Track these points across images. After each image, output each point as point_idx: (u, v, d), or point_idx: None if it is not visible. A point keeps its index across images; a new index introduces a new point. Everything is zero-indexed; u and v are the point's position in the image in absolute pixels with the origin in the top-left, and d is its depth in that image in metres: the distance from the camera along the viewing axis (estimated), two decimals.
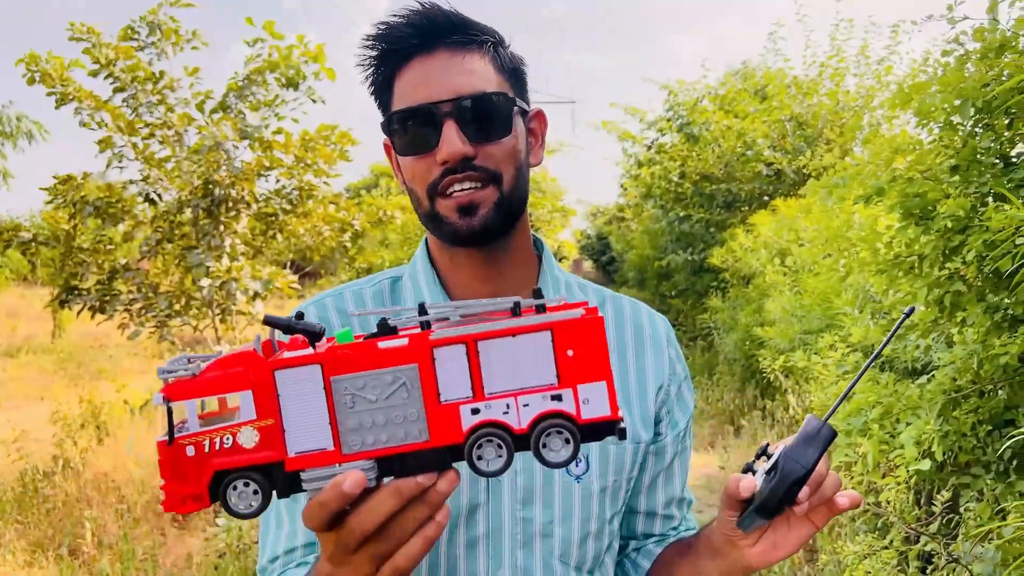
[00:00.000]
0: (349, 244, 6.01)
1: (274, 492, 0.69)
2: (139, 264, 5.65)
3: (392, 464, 0.70)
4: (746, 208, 10.05)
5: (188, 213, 5.40)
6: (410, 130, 1.02)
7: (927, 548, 2.98)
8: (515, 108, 1.06)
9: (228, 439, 0.66)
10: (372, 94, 1.09)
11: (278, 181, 5.61)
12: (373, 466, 0.69)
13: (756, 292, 7.49)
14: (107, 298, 5.48)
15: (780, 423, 6.63)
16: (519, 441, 0.70)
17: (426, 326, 0.71)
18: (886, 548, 2.90)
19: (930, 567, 2.97)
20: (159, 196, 5.40)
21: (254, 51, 5.28)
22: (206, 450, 0.66)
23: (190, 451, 0.66)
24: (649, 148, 12.42)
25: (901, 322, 0.92)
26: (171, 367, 0.67)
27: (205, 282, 5.15)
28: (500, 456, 0.69)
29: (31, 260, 6.13)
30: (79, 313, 5.41)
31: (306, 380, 0.67)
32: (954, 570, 2.81)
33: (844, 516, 3.84)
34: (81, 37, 5.09)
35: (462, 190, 1.01)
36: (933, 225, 2.75)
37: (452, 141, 0.99)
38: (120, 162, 5.28)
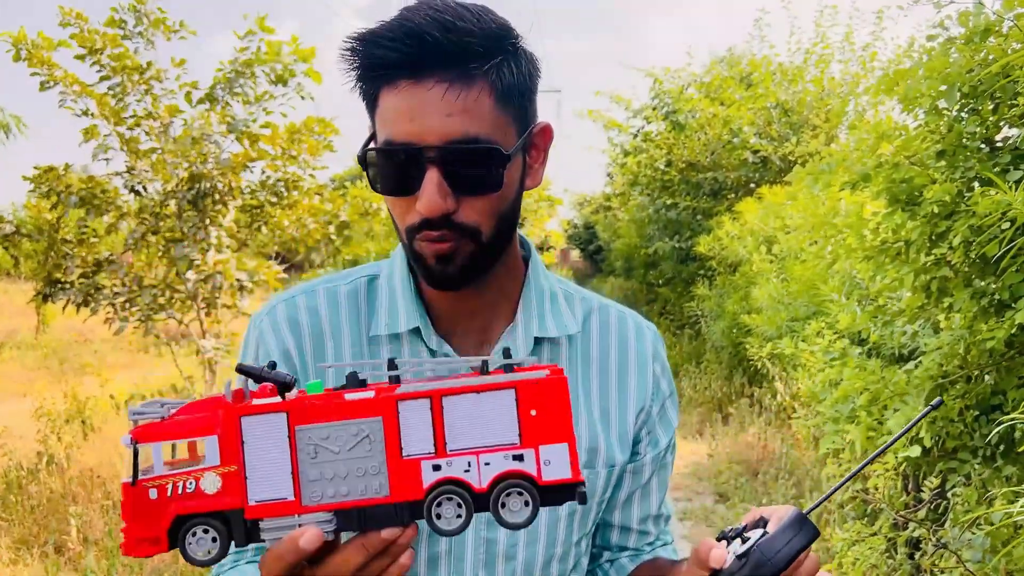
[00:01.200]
0: (335, 236, 5.96)
1: (231, 540, 0.69)
2: (123, 257, 5.59)
3: (350, 517, 0.70)
4: (732, 196, 10.06)
5: (173, 205, 5.35)
6: (390, 168, 0.93)
7: (915, 534, 2.99)
8: (510, 161, 0.93)
9: (191, 484, 0.66)
10: (360, 98, 0.98)
11: (263, 173, 5.57)
12: (331, 519, 0.69)
13: (743, 280, 7.50)
14: (91, 292, 5.41)
15: (768, 410, 6.65)
16: (478, 500, 0.70)
17: (395, 380, 0.71)
18: (874, 535, 2.91)
19: (918, 553, 2.99)
20: (144, 188, 5.33)
21: (243, 43, 5.22)
22: (168, 494, 0.66)
23: (152, 494, 0.66)
24: (635, 136, 12.40)
25: (924, 414, 0.89)
26: (143, 410, 0.67)
27: (190, 275, 5.11)
28: (459, 516, 0.69)
29: (13, 255, 6.05)
30: (64, 308, 5.35)
31: (271, 428, 0.67)
32: (942, 556, 2.82)
33: (833, 503, 3.86)
34: (70, 23, 5.02)
35: (439, 240, 0.93)
36: (919, 211, 2.74)
37: (432, 196, 0.89)
38: (105, 153, 5.21)
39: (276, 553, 0.68)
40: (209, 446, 0.67)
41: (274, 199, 5.50)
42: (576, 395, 1.08)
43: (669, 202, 11.04)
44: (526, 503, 0.69)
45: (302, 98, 5.36)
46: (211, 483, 0.67)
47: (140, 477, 0.66)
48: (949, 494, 2.96)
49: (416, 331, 1.03)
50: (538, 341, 1.07)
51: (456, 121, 0.88)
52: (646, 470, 1.15)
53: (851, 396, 2.71)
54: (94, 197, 5.21)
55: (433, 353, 1.03)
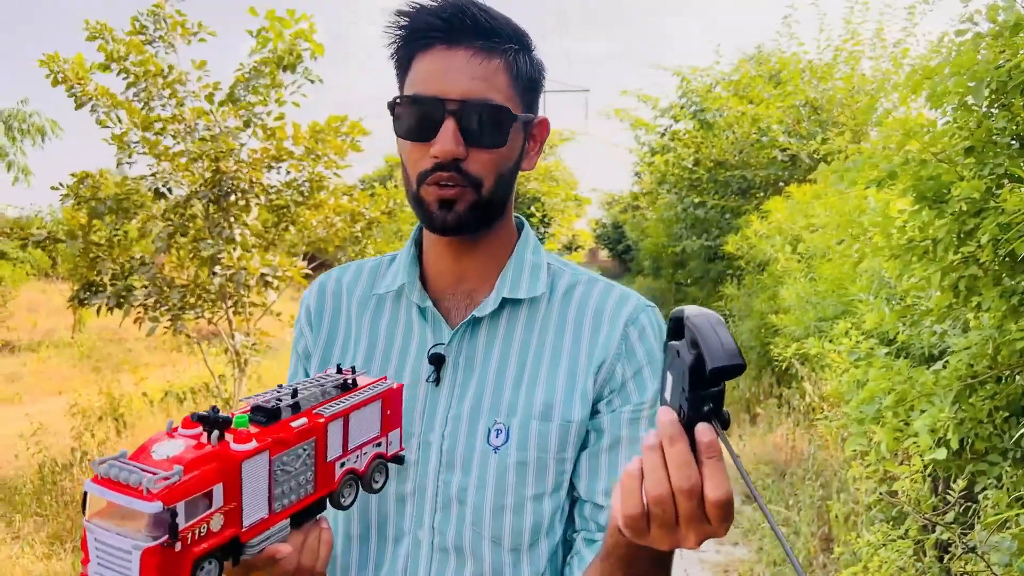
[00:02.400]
0: (361, 235, 6.00)
1: (227, 562, 0.79)
2: (155, 259, 5.66)
3: (297, 517, 0.87)
4: (761, 194, 9.97)
5: (198, 206, 5.41)
6: (413, 116, 1.08)
7: (943, 537, 2.94)
8: (516, 123, 1.10)
9: (204, 528, 0.74)
10: (394, 66, 1.13)
11: (288, 173, 5.61)
12: (288, 523, 0.86)
13: (770, 279, 7.43)
14: (123, 294, 5.49)
15: (796, 411, 6.58)
16: (362, 479, 0.93)
17: (296, 408, 0.85)
18: (902, 538, 2.86)
19: (947, 556, 2.94)
20: (169, 189, 5.40)
21: (258, 42, 5.26)
22: (188, 542, 0.73)
23: (178, 547, 0.72)
24: (662, 135, 12.34)
25: None
26: (123, 471, 0.72)
27: (217, 271, 5.17)
28: (352, 493, 0.93)
29: (51, 255, 6.17)
30: (98, 311, 5.42)
31: (259, 464, 0.79)
32: (971, 560, 2.77)
33: (860, 505, 3.80)
34: (96, 35, 5.10)
35: (445, 186, 1.07)
36: (947, 208, 2.70)
37: (447, 139, 1.05)
38: (130, 157, 5.29)
39: (250, 563, 0.82)
40: (216, 493, 0.75)
41: (300, 199, 5.54)
42: (543, 351, 1.16)
43: (697, 201, 10.98)
44: (381, 473, 0.96)
45: (311, 81, 5.36)
46: (217, 522, 0.75)
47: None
48: (980, 496, 2.91)
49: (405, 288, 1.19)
50: (516, 303, 1.18)
51: (477, 84, 1.06)
52: (606, 431, 1.12)
53: (877, 397, 2.67)
54: (125, 200, 5.29)
55: (421, 310, 1.18)
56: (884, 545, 2.91)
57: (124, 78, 5.24)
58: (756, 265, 8.53)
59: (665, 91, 21.96)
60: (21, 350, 14.90)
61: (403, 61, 1.11)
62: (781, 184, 9.58)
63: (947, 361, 2.66)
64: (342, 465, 0.90)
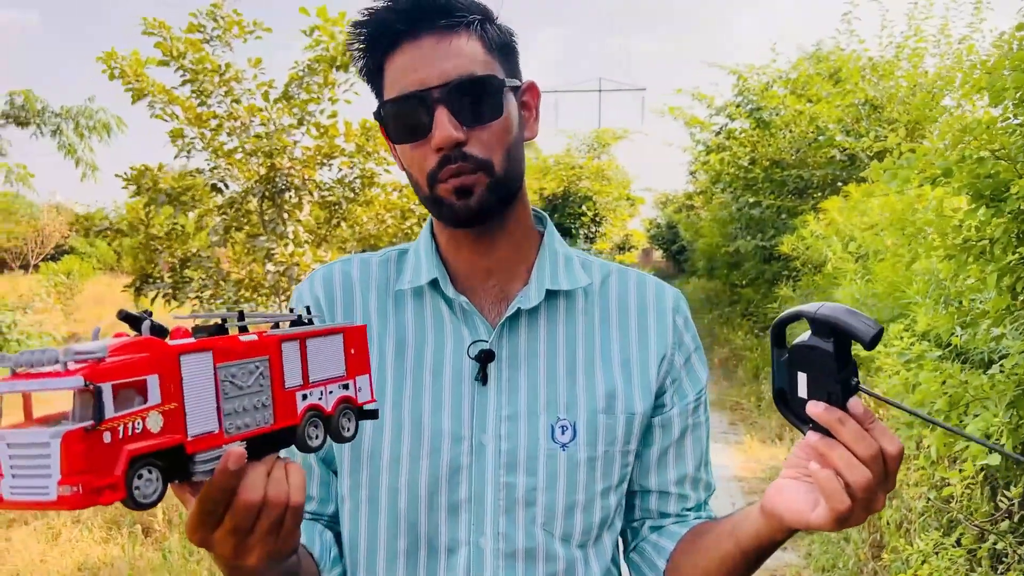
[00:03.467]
0: (411, 231, 6.05)
1: (170, 477, 0.70)
2: (211, 252, 5.81)
3: (254, 445, 0.77)
4: (819, 194, 9.77)
5: (253, 201, 5.53)
6: (403, 118, 1.05)
7: (998, 547, 2.85)
8: (505, 88, 1.06)
9: (139, 424, 0.65)
10: (366, 81, 1.11)
11: (340, 170, 5.69)
12: (244, 449, 0.75)
13: (825, 280, 7.28)
14: (179, 285, 5.64)
15: None
16: (327, 421, 0.83)
17: (244, 329, 0.78)
18: (955, 546, 2.77)
19: (1001, 566, 2.84)
20: (225, 184, 5.53)
21: (312, 41, 5.35)
22: (120, 436, 0.64)
23: (107, 437, 0.63)
24: (718, 134, 12.18)
25: None
26: (36, 354, 0.65)
27: (269, 267, 5.27)
28: (318, 435, 0.83)
29: (116, 250, 6.38)
30: (152, 300, 5.59)
31: (202, 366, 0.71)
32: None
33: (914, 512, 3.70)
34: (153, 32, 5.25)
35: (457, 176, 1.04)
36: (1005, 207, 2.61)
37: (444, 127, 1.01)
38: (188, 153, 5.43)
39: (205, 492, 0.72)
40: (151, 385, 0.66)
41: (351, 195, 5.61)
42: (592, 344, 1.13)
43: (752, 200, 10.80)
44: (350, 420, 0.86)
45: (365, 82, 5.43)
46: (155, 422, 0.66)
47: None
48: None
49: (435, 283, 1.13)
50: (552, 295, 1.13)
51: (452, 64, 1.02)
52: (675, 423, 1.16)
53: (928, 400, 2.59)
54: (183, 194, 5.43)
55: (451, 303, 1.12)
56: (935, 553, 2.83)
57: (181, 75, 5.37)
58: (812, 266, 8.36)
59: (721, 89, 21.64)
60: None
61: (373, 71, 1.08)
62: (839, 184, 9.38)
63: (1002, 364, 2.58)
64: (304, 398, 0.81)
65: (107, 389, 0.63)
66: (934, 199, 2.85)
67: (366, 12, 1.05)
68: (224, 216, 5.57)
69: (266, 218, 5.48)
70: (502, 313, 1.12)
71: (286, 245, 5.37)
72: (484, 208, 1.06)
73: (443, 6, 1.03)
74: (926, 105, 6.36)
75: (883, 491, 0.87)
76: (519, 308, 1.10)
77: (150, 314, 0.73)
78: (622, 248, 25.19)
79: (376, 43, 1.06)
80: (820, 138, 9.29)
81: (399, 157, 1.11)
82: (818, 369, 0.86)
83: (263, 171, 5.47)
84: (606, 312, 1.16)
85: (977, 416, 2.49)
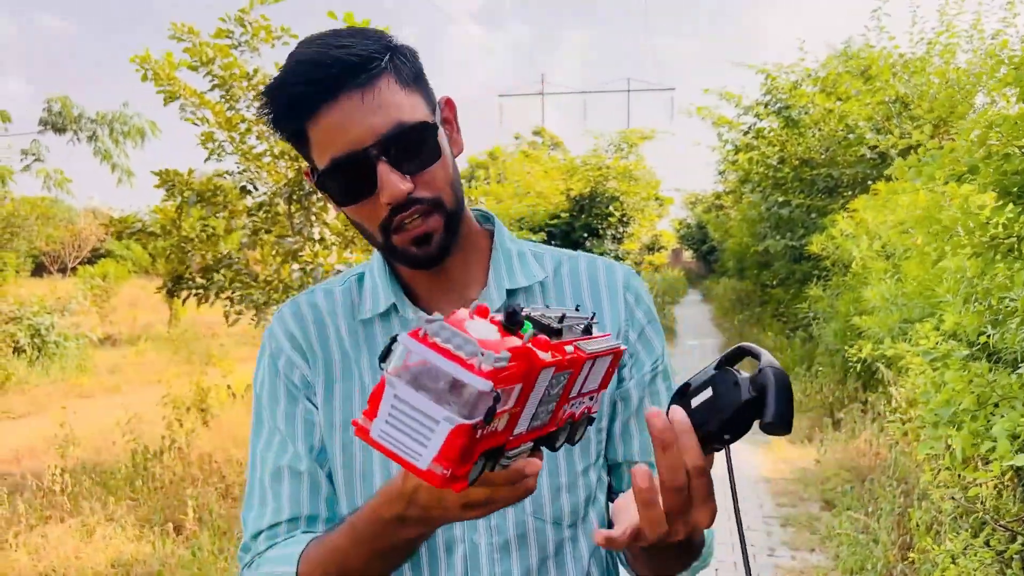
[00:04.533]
0: None
1: (485, 469, 0.75)
2: (244, 254, 5.88)
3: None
4: (849, 193, 9.67)
5: (282, 204, 5.60)
6: (344, 181, 1.03)
7: None
8: (437, 129, 1.05)
9: (496, 424, 0.70)
10: (285, 140, 1.10)
11: None
12: (531, 445, 0.81)
13: (854, 280, 7.20)
14: (210, 285, 5.73)
15: (882, 416, 6.37)
16: (572, 426, 0.86)
17: (558, 334, 0.78)
18: (984, 547, 2.73)
19: None
20: (255, 187, 5.60)
21: None
22: (482, 433, 0.69)
23: (477, 434, 0.68)
24: (746, 133, 12.09)
25: None
26: (457, 337, 0.68)
27: (295, 267, 5.33)
28: (561, 441, 0.86)
29: (151, 253, 6.49)
30: (184, 300, 5.68)
31: (545, 378, 0.74)
32: None
33: (944, 514, 3.65)
34: (181, 37, 5.33)
35: (412, 223, 1.04)
36: None
37: (391, 183, 1.00)
38: (219, 158, 5.51)
39: (489, 478, 0.76)
40: (514, 392, 0.70)
41: None
42: None
43: (781, 200, 10.72)
44: (582, 428, 0.88)
45: None
46: (502, 422, 0.71)
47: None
48: None
49: (395, 307, 1.15)
50: (512, 293, 1.16)
51: (381, 116, 1.00)
52: (633, 395, 1.18)
53: (953, 400, 2.57)
54: (213, 196, 5.51)
55: (414, 323, 1.13)
56: (963, 553, 2.79)
57: (210, 80, 5.45)
58: (842, 266, 8.28)
59: (749, 89, 21.46)
60: (122, 343, 15.69)
61: (296, 135, 1.05)
62: (869, 183, 9.27)
63: None
64: (570, 406, 0.84)
65: (499, 395, 0.67)
66: (960, 196, 2.82)
67: (276, 85, 1.03)
68: (253, 218, 5.64)
69: (294, 220, 5.54)
70: None
71: (312, 246, 5.43)
72: (444, 247, 1.07)
73: (355, 64, 1.00)
74: (951, 102, 6.25)
75: (684, 520, 0.84)
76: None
77: (518, 310, 0.74)
78: (651, 248, 25.04)
79: (294, 113, 1.03)
80: (850, 136, 9.20)
81: (346, 213, 1.11)
82: (722, 401, 0.83)
83: (291, 174, 5.53)
84: (562, 300, 1.19)
85: (1004, 416, 2.46)
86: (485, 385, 0.65)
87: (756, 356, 0.86)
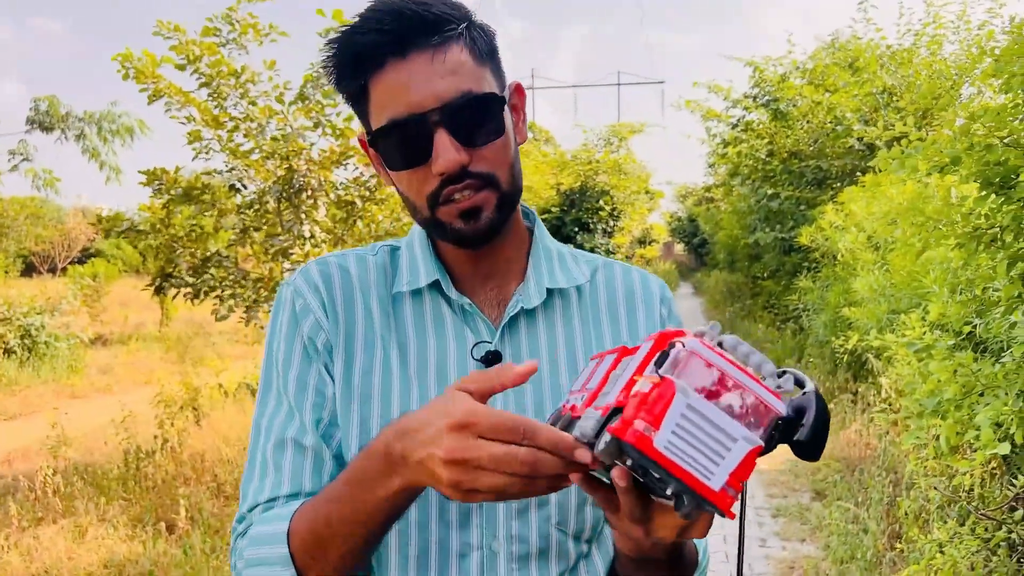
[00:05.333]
0: None
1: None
2: (231, 252, 5.88)
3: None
4: (837, 185, 9.70)
5: (271, 202, 5.59)
6: (399, 144, 0.98)
7: (1012, 536, 2.83)
8: (503, 106, 1.01)
9: None
10: (345, 100, 1.06)
11: (355, 169, 5.74)
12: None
13: (843, 271, 7.24)
14: (199, 283, 5.73)
15: (872, 407, 6.41)
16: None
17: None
18: (971, 535, 2.76)
19: (1016, 554, 2.83)
20: (244, 185, 5.60)
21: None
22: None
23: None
24: (735, 126, 12.11)
25: None
26: (753, 356, 0.65)
27: (287, 265, 5.34)
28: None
29: (142, 253, 6.46)
30: (173, 298, 5.68)
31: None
32: None
33: (932, 503, 3.68)
34: (168, 35, 5.32)
35: (462, 196, 0.98)
36: (1015, 194, 2.60)
37: (447, 152, 0.95)
38: (207, 155, 5.50)
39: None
40: None
41: (367, 195, 5.66)
42: (589, 340, 1.12)
43: (771, 192, 10.74)
44: None
45: None
46: None
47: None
48: None
49: (436, 285, 1.09)
50: (550, 293, 1.11)
51: (448, 82, 0.95)
52: None
53: (938, 390, 2.59)
54: (201, 194, 5.50)
55: (451, 304, 1.08)
56: (950, 542, 2.82)
57: (198, 78, 5.44)
58: (831, 257, 8.31)
59: (738, 83, 21.53)
60: (113, 343, 15.64)
61: (356, 91, 1.01)
62: (858, 174, 9.31)
63: (1012, 352, 2.57)
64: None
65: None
66: (943, 187, 2.84)
67: (346, 32, 0.99)
68: (243, 216, 5.64)
69: (284, 218, 5.54)
70: (500, 315, 1.10)
71: (303, 245, 5.42)
72: (494, 227, 1.02)
73: (432, 22, 0.96)
74: (934, 93, 6.27)
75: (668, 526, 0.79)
76: (521, 308, 1.08)
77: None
78: (642, 242, 25.09)
79: (360, 65, 0.98)
80: (838, 128, 9.23)
81: (392, 179, 1.05)
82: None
83: (280, 172, 5.53)
84: (597, 307, 1.15)
85: (988, 405, 2.49)
86: (783, 408, 0.63)
87: (801, 383, 0.82)
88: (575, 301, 1.14)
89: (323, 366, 1.05)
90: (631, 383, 0.69)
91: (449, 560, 1.03)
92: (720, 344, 0.66)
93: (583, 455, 0.71)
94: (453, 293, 1.08)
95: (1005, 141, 2.65)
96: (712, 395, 0.63)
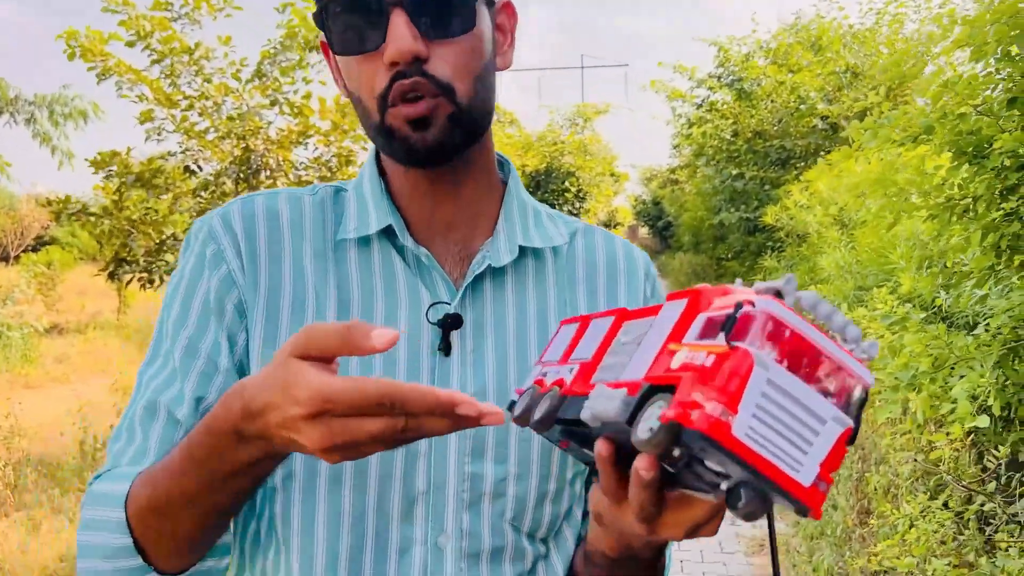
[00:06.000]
0: None
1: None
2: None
3: None
4: (801, 164, 9.74)
5: (228, 183, 5.43)
6: (349, 22, 0.84)
7: (986, 508, 2.82)
8: (478, 6, 0.87)
9: None
10: None
11: (315, 149, 5.59)
12: None
13: (809, 250, 7.26)
14: (154, 267, 5.55)
15: None
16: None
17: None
18: (943, 509, 2.75)
19: (988, 528, 2.82)
20: (199, 167, 5.43)
21: (285, 17, 5.24)
22: None
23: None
24: (699, 107, 12.12)
25: None
26: (846, 325, 0.54)
27: None
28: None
29: (99, 240, 6.25)
30: (127, 284, 5.50)
31: None
32: (1017, 532, 2.66)
33: (900, 477, 3.68)
34: (116, 9, 5.11)
35: (414, 98, 0.83)
36: (988, 163, 2.56)
37: (401, 36, 0.81)
38: (159, 135, 5.32)
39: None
40: None
41: (328, 174, 5.52)
42: (563, 309, 0.99)
43: (735, 172, 10.77)
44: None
45: None
46: None
47: None
48: None
49: (388, 233, 0.94)
50: (522, 252, 0.97)
51: None
52: None
53: (912, 362, 2.56)
54: (153, 177, 5.32)
55: (405, 255, 0.93)
56: (922, 516, 2.80)
57: (149, 55, 5.24)
58: (796, 237, 8.34)
59: (704, 63, 21.63)
60: (70, 332, 15.27)
61: None
62: (822, 153, 9.35)
63: (987, 324, 2.54)
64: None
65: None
66: (915, 159, 2.81)
67: None
68: (199, 199, 5.46)
69: None
70: (463, 272, 0.95)
71: None
72: (445, 142, 0.86)
73: None
74: (902, 62, 6.25)
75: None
76: (489, 265, 0.93)
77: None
78: (608, 225, 25.13)
79: None
80: (801, 107, 9.25)
81: (342, 76, 0.91)
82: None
83: (237, 152, 5.36)
84: (574, 274, 1.01)
85: (963, 377, 2.46)
86: (870, 379, 0.53)
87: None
88: (550, 264, 0.99)
89: (226, 333, 0.89)
90: (665, 353, 0.57)
91: (387, 557, 0.90)
92: (797, 303, 0.53)
93: (469, 408, 0.60)
94: (408, 241, 0.92)
95: (978, 110, 2.62)
96: (793, 367, 0.51)
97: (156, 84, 5.32)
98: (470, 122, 0.88)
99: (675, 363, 0.55)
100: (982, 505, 2.80)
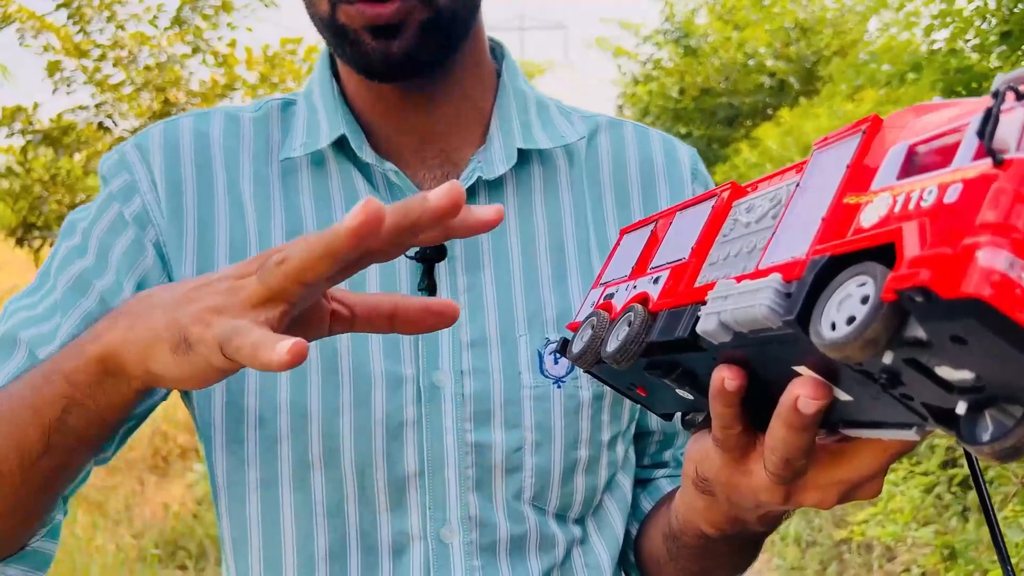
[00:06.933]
0: None
1: None
2: None
3: None
4: (749, 122, 9.65)
5: None
6: None
7: (967, 473, 2.70)
8: None
9: None
10: None
11: (243, 101, 5.23)
12: None
13: None
14: None
15: None
16: None
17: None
18: (924, 475, 2.62)
19: (972, 491, 2.72)
20: (114, 122, 5.02)
21: None
22: None
23: None
24: (645, 64, 11.93)
25: None
26: None
27: None
28: None
29: (13, 210, 5.77)
30: (38, 250, 5.09)
31: None
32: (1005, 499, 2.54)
33: None
34: None
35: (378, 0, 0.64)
36: None
37: None
38: (68, 87, 4.89)
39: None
40: None
41: None
42: (586, 227, 0.77)
43: (683, 131, 10.64)
44: None
45: (265, 6, 4.97)
46: None
47: None
48: None
49: (343, 144, 0.73)
50: (524, 156, 0.75)
51: None
52: None
53: None
54: (63, 135, 4.91)
55: (369, 173, 0.74)
56: (904, 480, 2.68)
57: (55, 1, 4.80)
58: None
59: (650, 19, 21.50)
60: None
61: None
62: (769, 111, 9.26)
63: None
64: None
65: None
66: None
67: None
68: None
69: None
70: None
71: None
72: (414, 55, 0.67)
73: None
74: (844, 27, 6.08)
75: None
76: (479, 178, 0.73)
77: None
78: None
79: None
80: (750, 63, 9.13)
81: None
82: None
83: (156, 106, 4.98)
84: (597, 179, 0.80)
85: None
86: None
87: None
88: (564, 168, 0.78)
89: (136, 277, 0.71)
90: (841, 210, 0.38)
91: (378, 558, 0.71)
92: None
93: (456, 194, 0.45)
94: (369, 156, 0.72)
95: (970, 45, 2.43)
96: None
97: (64, 32, 4.89)
98: (451, 25, 0.68)
99: (868, 218, 0.36)
100: (964, 469, 2.69)
